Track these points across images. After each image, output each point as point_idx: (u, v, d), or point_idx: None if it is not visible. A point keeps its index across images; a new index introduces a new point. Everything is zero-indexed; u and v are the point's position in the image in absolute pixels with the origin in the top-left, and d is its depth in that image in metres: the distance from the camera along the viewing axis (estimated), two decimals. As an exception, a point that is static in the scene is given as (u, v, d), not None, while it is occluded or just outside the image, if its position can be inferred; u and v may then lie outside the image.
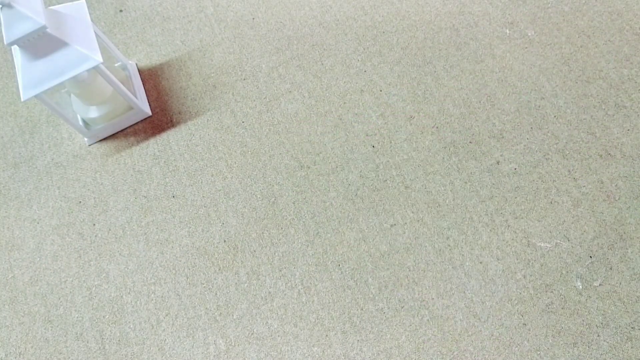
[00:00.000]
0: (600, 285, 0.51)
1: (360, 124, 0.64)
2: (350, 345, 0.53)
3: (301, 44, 0.72)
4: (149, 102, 0.72)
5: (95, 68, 0.59)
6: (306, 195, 0.60)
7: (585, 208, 0.55)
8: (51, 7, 0.60)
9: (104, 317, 0.60)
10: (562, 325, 0.50)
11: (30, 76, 0.58)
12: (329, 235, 0.59)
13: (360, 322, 0.54)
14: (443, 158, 0.60)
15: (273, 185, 0.63)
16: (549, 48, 0.64)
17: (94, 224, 0.65)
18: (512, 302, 0.52)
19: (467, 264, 0.54)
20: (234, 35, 0.75)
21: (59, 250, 0.64)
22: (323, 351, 0.54)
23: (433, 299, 0.54)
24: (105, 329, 0.59)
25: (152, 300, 0.60)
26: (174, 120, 0.70)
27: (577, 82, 0.61)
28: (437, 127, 0.61)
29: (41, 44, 0.56)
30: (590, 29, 0.64)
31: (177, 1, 0.80)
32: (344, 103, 0.66)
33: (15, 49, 0.59)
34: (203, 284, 0.59)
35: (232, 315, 0.57)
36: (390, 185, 0.59)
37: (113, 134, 0.71)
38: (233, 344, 0.56)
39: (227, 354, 0.55)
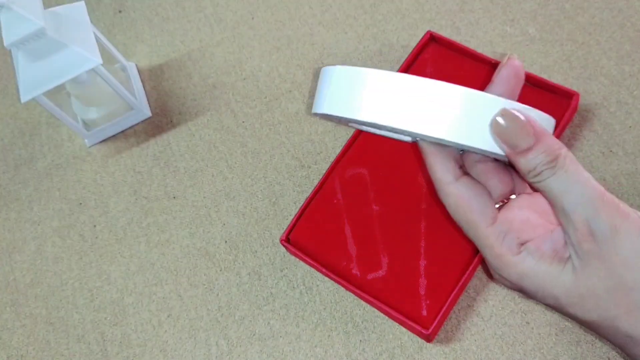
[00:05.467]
0: (603, 283, 0.51)
1: (361, 123, 0.63)
2: (353, 345, 0.53)
3: (301, 43, 0.72)
4: (148, 103, 0.72)
5: (95, 69, 0.59)
6: (307, 194, 0.60)
7: (588, 206, 0.55)
8: (50, 9, 0.60)
9: (105, 318, 0.60)
10: (565, 324, 0.50)
11: (30, 78, 0.58)
12: (331, 235, 0.59)
13: (362, 322, 0.54)
14: (444, 157, 0.60)
15: (274, 185, 0.63)
16: (550, 45, 0.64)
17: (95, 226, 0.65)
18: (515, 301, 0.52)
19: (469, 262, 0.54)
20: (234, 35, 0.75)
21: (59, 252, 0.64)
22: (325, 351, 0.53)
23: (435, 298, 0.53)
24: (106, 330, 0.59)
25: (154, 301, 0.60)
26: (174, 120, 0.70)
27: (578, 79, 0.61)
28: (438, 126, 0.61)
29: (40, 45, 0.56)
30: (591, 25, 0.64)
31: (177, 1, 0.79)
32: (345, 102, 0.66)
33: (14, 50, 0.59)
34: (204, 284, 0.59)
35: (234, 316, 0.57)
36: (391, 184, 0.59)
37: (113, 135, 0.71)
38: (235, 344, 0.56)
39: (229, 355, 0.55)
